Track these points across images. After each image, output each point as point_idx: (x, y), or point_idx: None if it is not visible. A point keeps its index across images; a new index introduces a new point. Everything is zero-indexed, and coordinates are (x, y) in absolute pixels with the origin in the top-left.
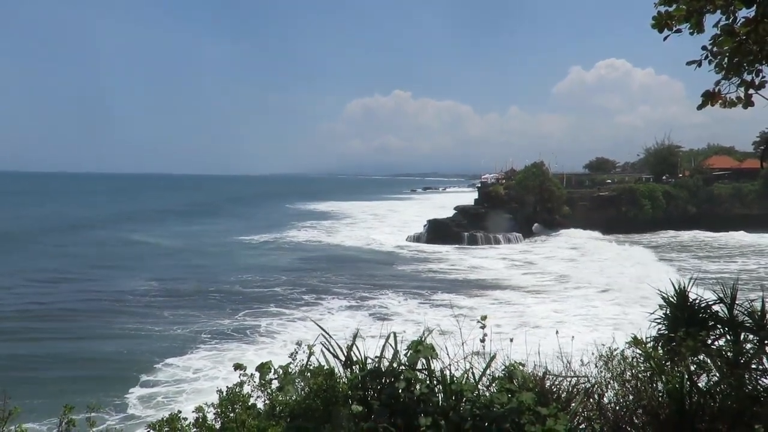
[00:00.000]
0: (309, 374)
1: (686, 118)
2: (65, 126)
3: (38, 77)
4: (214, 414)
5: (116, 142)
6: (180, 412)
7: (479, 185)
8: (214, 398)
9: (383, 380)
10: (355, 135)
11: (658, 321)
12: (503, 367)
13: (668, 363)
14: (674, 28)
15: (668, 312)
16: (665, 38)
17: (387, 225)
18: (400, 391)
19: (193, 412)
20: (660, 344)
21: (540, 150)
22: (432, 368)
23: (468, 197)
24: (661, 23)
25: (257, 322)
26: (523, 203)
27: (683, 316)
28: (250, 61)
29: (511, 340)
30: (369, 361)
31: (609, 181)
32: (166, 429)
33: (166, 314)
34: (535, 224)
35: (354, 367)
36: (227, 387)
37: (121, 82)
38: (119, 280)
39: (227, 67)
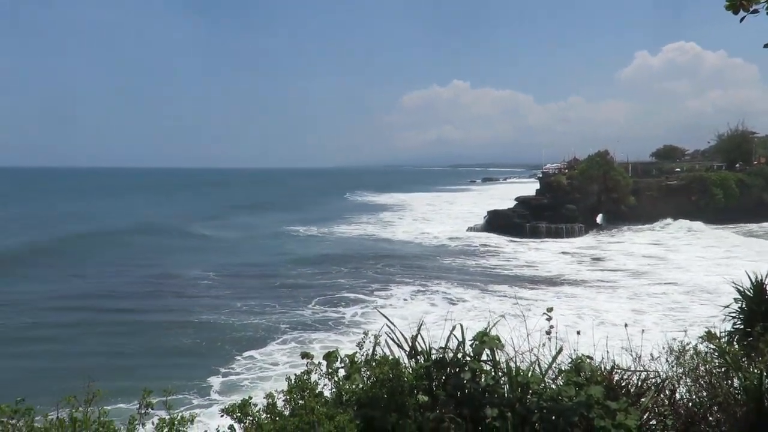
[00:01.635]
0: (375, 363)
1: (761, 102)
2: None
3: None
4: (284, 401)
5: (181, 136)
6: (251, 398)
7: (540, 175)
8: (285, 386)
9: (448, 370)
10: (413, 126)
11: (733, 315)
12: (570, 360)
13: (745, 359)
14: (751, 9)
15: (744, 306)
16: (741, 20)
17: (445, 216)
18: (465, 381)
19: (264, 398)
20: (735, 339)
21: (604, 138)
22: (497, 359)
23: (529, 188)
24: (737, 4)
25: (331, 314)
26: (586, 193)
27: (761, 310)
28: (307, 54)
29: (578, 333)
30: (433, 351)
31: (678, 169)
32: (238, 413)
33: (239, 305)
34: (600, 215)
35: (419, 357)
36: (295, 375)
37: (185, 78)
38: (182, 270)
39: (285, 59)
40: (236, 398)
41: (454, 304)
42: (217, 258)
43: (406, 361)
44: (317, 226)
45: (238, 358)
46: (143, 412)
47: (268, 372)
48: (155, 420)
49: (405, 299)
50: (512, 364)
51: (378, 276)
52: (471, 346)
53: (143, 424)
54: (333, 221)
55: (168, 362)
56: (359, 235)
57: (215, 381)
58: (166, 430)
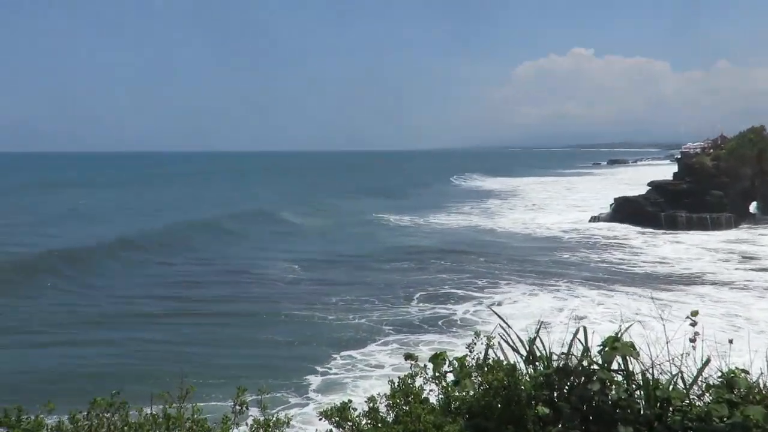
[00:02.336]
0: (487, 368)
1: None
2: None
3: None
4: (386, 406)
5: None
6: (351, 401)
7: (679, 156)
8: (387, 389)
9: (573, 380)
10: (528, 102)
11: None
12: (720, 373)
13: None
14: None
15: None
16: None
17: (563, 205)
18: (593, 393)
19: (365, 401)
20: None
21: (759, 112)
22: (630, 369)
23: (665, 171)
24: None
25: (440, 311)
26: (736, 177)
27: None
28: (403, 30)
29: (731, 342)
30: (554, 357)
31: None
32: (337, 418)
33: (333, 300)
34: (753, 203)
35: (537, 363)
36: (399, 377)
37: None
38: (270, 260)
39: (378, 31)
40: (335, 399)
41: (574, 304)
42: (304, 246)
43: (523, 367)
44: (411, 214)
45: (336, 357)
46: (237, 410)
47: (369, 373)
48: (249, 421)
49: (517, 298)
50: (649, 376)
51: (482, 271)
52: (599, 352)
53: (237, 425)
54: (429, 209)
55: (262, 358)
56: (459, 226)
57: (313, 380)
58: None
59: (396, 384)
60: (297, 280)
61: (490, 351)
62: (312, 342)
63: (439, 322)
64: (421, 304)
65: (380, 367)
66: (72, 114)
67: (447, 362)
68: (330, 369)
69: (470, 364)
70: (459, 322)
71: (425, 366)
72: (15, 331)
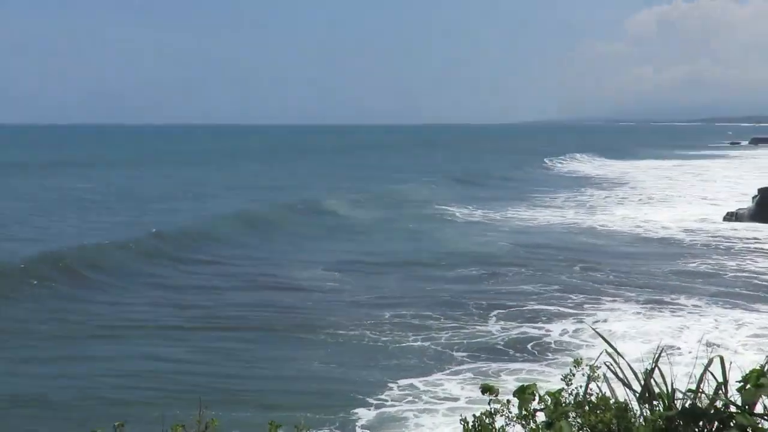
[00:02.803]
0: (590, 407)
1: None
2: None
3: None
4: None
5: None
6: None
7: None
8: (458, 429)
9: (703, 426)
10: (645, 61)
11: None
12: None
13: None
14: None
15: None
16: None
17: (688, 197)
18: None
19: None
20: None
21: None
22: None
23: None
24: None
25: (529, 331)
26: None
27: None
28: None
29: None
30: (678, 395)
31: None
32: None
33: (387, 315)
34: None
35: (655, 402)
36: (474, 416)
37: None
38: (304, 264)
39: None
40: None
41: (705, 327)
42: (349, 245)
43: (637, 406)
44: (485, 207)
45: (393, 386)
46: None
47: (436, 406)
48: None
49: (627, 318)
50: None
51: (577, 283)
52: (738, 390)
53: None
54: (509, 201)
55: (299, 384)
56: (549, 224)
57: (364, 413)
58: None
59: (470, 424)
60: (339, 289)
61: (594, 385)
62: (362, 367)
63: (528, 346)
64: (501, 323)
65: (451, 399)
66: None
67: (537, 398)
68: (386, 401)
69: (567, 401)
70: (553, 346)
71: (508, 402)
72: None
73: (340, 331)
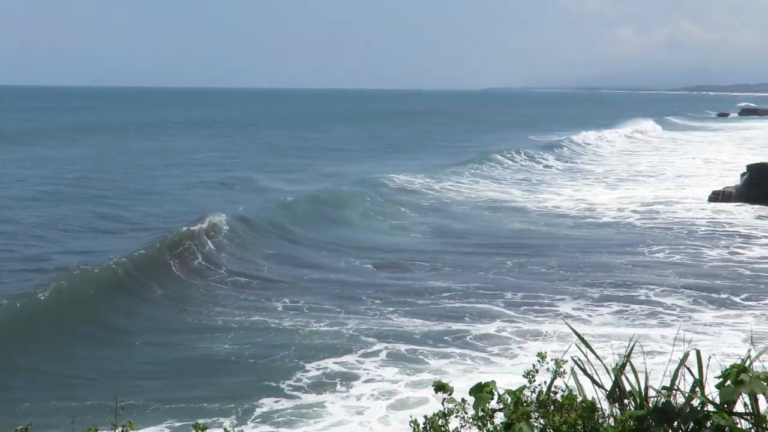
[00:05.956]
0: (554, 406)
1: None
2: None
3: None
4: None
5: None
6: None
7: None
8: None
9: (678, 426)
10: (626, 21)
11: None
12: None
13: None
14: None
15: None
16: None
17: (667, 173)
18: None
19: None
20: None
21: None
22: (762, 414)
23: None
24: None
25: (445, 327)
26: None
27: None
28: None
29: None
30: (651, 393)
31: None
32: None
33: (280, 307)
34: None
35: (627, 400)
36: (425, 417)
37: None
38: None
39: None
40: None
41: (679, 321)
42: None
43: (606, 405)
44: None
45: (308, 368)
46: None
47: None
48: None
49: (586, 312)
50: None
51: (510, 280)
52: (717, 387)
53: None
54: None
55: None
56: (478, 198)
57: (271, 399)
58: None
59: (421, 426)
60: (219, 276)
61: (559, 382)
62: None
63: (448, 337)
64: (413, 319)
65: (369, 381)
66: None
67: (496, 396)
68: (300, 385)
69: (529, 400)
70: (480, 344)
71: (464, 401)
72: None
73: (237, 318)
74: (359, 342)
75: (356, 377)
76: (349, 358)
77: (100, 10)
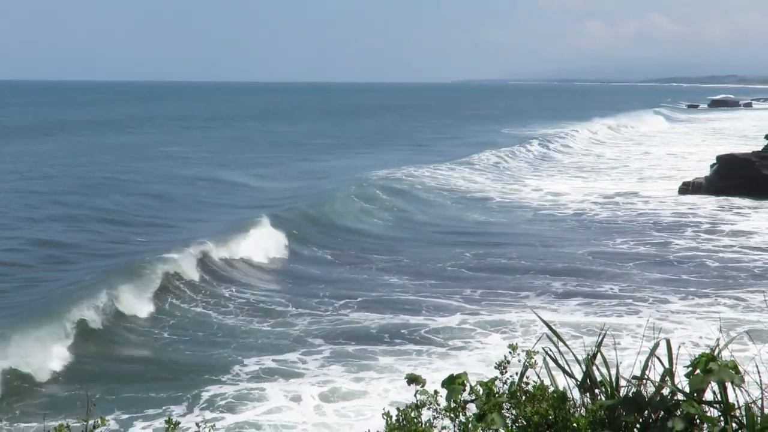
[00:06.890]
0: (526, 397)
1: None
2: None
3: None
4: None
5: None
6: None
7: None
8: (378, 424)
9: (648, 415)
10: (597, 14)
11: None
12: None
13: None
14: None
15: None
16: None
17: (637, 165)
18: None
19: None
20: None
21: None
22: (730, 402)
23: None
24: None
25: (401, 321)
26: None
27: None
28: None
29: None
30: (623, 383)
31: None
32: None
33: (227, 293)
34: None
35: (597, 390)
36: (398, 409)
37: None
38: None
39: None
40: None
41: (649, 311)
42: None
43: (577, 395)
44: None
45: (247, 363)
46: None
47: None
48: None
49: (553, 305)
50: (756, 410)
51: (467, 275)
52: (686, 376)
53: None
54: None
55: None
56: (439, 190)
57: (216, 391)
58: None
59: (395, 419)
60: None
61: (531, 373)
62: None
63: (403, 331)
64: (366, 313)
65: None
66: None
67: (468, 388)
68: (239, 379)
69: (501, 391)
70: (439, 339)
71: (436, 393)
72: None
73: (177, 312)
74: (304, 341)
75: (299, 375)
76: (291, 356)
77: (100, 9)
